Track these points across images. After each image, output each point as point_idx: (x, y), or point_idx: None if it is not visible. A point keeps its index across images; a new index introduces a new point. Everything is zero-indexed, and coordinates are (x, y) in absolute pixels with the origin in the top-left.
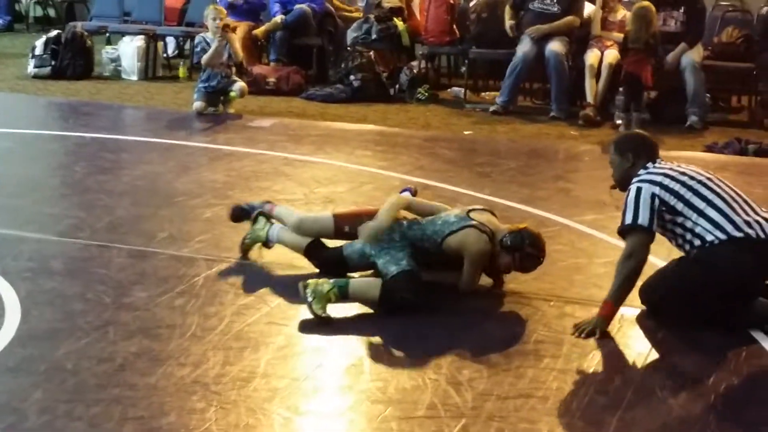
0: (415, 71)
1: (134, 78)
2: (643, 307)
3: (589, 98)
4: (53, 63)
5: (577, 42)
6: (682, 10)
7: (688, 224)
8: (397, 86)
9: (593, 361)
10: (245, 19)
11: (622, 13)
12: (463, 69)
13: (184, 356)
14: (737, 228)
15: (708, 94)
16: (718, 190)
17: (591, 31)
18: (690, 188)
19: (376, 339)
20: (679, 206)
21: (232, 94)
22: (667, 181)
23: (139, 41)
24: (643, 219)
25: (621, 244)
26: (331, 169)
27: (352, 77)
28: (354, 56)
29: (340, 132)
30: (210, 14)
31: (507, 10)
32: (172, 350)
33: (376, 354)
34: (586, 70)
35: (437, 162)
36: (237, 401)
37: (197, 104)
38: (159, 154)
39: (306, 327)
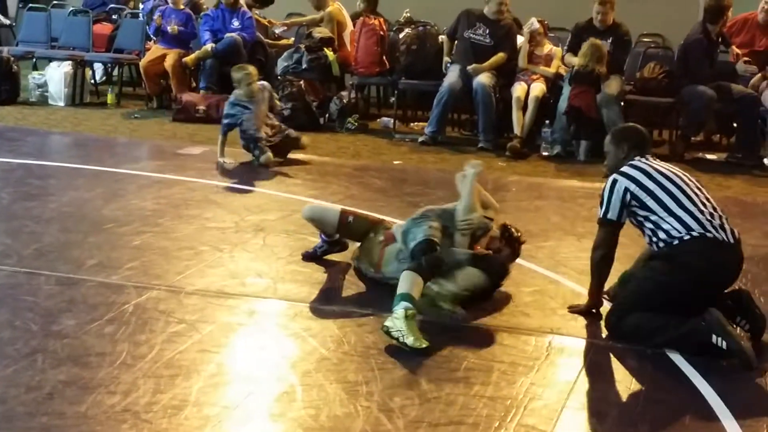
0: (345, 101)
1: (61, 104)
2: (573, 335)
3: (516, 130)
4: None
5: (505, 75)
6: (609, 40)
7: (658, 221)
8: (327, 116)
9: (522, 388)
10: (175, 46)
11: (548, 48)
12: (393, 99)
13: (114, 384)
14: (704, 228)
15: None
16: (690, 192)
17: (518, 64)
18: (662, 186)
19: (308, 366)
20: (650, 202)
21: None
22: (642, 178)
23: (66, 67)
24: (613, 214)
25: (547, 273)
26: (262, 197)
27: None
28: (284, 85)
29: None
30: (245, 80)
31: (445, 41)
32: (101, 378)
33: (308, 382)
34: (513, 102)
35: (367, 191)
36: (168, 429)
37: (267, 156)
38: (87, 180)
39: (237, 354)
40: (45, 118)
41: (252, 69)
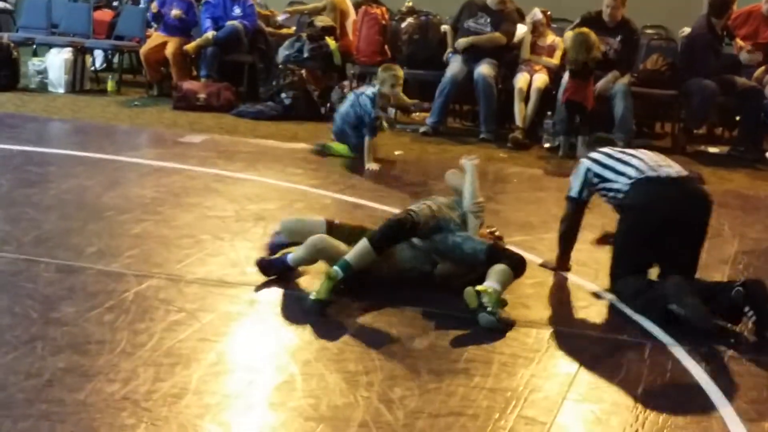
0: (346, 90)
1: (61, 91)
2: (574, 328)
3: (518, 121)
4: None
5: (507, 65)
6: (618, 38)
7: (610, 184)
8: (328, 105)
9: (522, 380)
10: (176, 34)
11: (551, 38)
12: None
13: (114, 372)
14: (641, 172)
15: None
16: (639, 154)
17: (520, 55)
18: (614, 158)
19: (308, 356)
20: (605, 173)
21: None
22: (600, 156)
23: (66, 53)
24: (574, 192)
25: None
26: (262, 186)
27: (283, 95)
28: (285, 74)
29: (271, 149)
30: (389, 80)
31: (448, 32)
32: (101, 366)
33: (308, 371)
34: (515, 93)
35: (368, 181)
36: (168, 418)
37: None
38: (86, 168)
39: (238, 343)
40: (45, 105)
41: (401, 72)
